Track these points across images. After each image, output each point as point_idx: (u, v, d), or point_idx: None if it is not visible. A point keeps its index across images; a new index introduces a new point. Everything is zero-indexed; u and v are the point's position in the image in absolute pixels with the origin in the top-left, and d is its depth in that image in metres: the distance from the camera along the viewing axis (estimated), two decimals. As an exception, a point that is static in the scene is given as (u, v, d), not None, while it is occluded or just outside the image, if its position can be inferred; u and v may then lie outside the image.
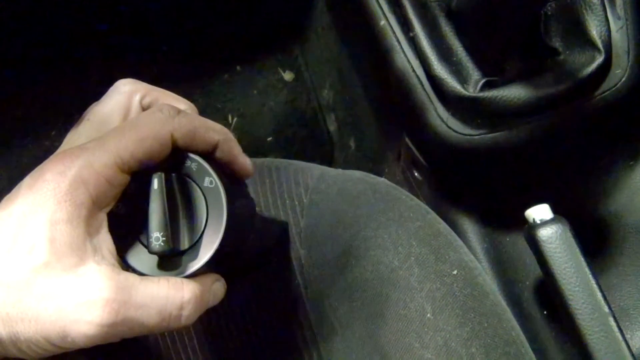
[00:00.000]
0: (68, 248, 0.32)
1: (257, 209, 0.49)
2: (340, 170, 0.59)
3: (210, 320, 0.55)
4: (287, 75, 1.24)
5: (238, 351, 0.55)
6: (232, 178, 0.41)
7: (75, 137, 0.42)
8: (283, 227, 0.56)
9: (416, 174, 0.75)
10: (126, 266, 0.37)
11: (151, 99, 0.41)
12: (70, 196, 0.32)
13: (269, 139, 1.22)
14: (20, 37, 1.16)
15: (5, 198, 0.34)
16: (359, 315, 0.51)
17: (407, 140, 0.72)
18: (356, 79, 0.96)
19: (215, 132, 0.38)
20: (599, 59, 0.58)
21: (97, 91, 1.18)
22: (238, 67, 1.24)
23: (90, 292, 0.32)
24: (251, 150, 1.20)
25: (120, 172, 0.34)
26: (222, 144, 0.38)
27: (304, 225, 0.56)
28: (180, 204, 0.36)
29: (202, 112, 1.26)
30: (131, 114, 0.38)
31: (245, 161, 0.41)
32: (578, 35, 0.60)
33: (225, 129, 0.41)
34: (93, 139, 0.36)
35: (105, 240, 0.35)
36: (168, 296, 0.34)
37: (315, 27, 1.14)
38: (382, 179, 0.56)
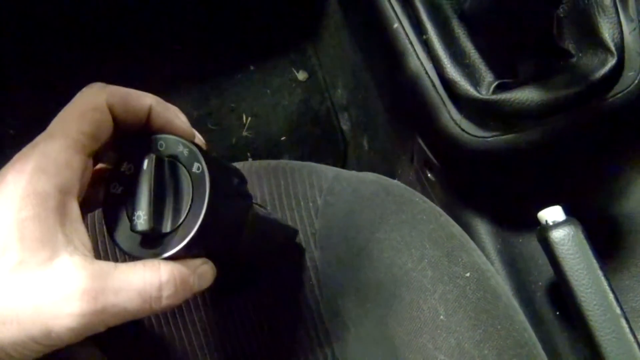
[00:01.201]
0: (39, 243, 0.32)
1: (264, 210, 0.49)
2: (354, 172, 0.60)
3: (224, 319, 0.56)
4: (301, 75, 1.24)
5: (252, 350, 0.56)
6: (227, 173, 0.42)
7: None
8: (290, 234, 0.56)
9: (429, 175, 0.75)
10: (113, 244, 0.38)
11: (117, 98, 0.38)
12: (33, 189, 0.32)
13: (283, 138, 1.22)
14: (40, 38, 1.17)
15: None
16: (373, 315, 0.51)
17: (419, 141, 0.73)
18: (369, 79, 0.97)
19: (147, 96, 0.38)
20: (612, 62, 0.58)
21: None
22: (252, 67, 1.24)
23: (66, 285, 0.31)
24: (264, 149, 1.21)
25: (76, 153, 0.34)
26: (154, 107, 0.38)
27: (319, 226, 0.57)
28: (169, 187, 0.37)
29: (216, 112, 1.26)
30: (96, 114, 0.37)
31: (183, 125, 0.40)
32: (591, 37, 0.60)
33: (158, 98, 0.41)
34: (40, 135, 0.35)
35: (77, 229, 0.34)
36: (145, 278, 0.34)
37: (329, 26, 1.14)
38: (396, 181, 0.57)
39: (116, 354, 0.53)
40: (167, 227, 0.37)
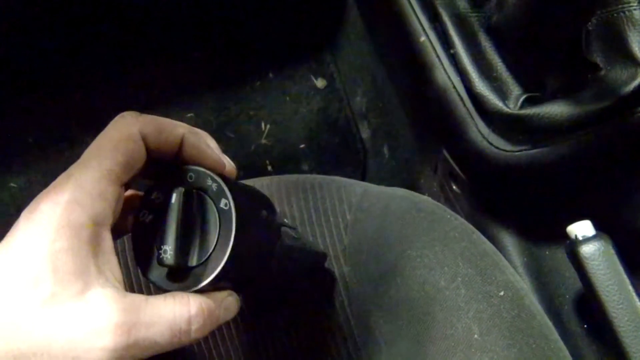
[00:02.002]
0: (72, 275, 0.32)
1: (293, 234, 0.49)
2: (382, 188, 0.60)
3: (255, 337, 0.56)
4: (320, 83, 1.24)
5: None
6: (256, 206, 0.42)
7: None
8: (319, 259, 0.56)
9: (454, 187, 0.75)
10: (143, 276, 0.38)
11: (150, 128, 0.38)
12: (68, 221, 0.32)
13: (302, 146, 1.22)
14: (59, 45, 1.18)
15: (6, 237, 0.34)
16: (405, 334, 0.51)
17: (445, 153, 0.72)
18: (390, 88, 0.97)
19: (180, 126, 0.39)
20: (642, 76, 0.58)
21: (132, 98, 1.20)
22: (270, 74, 1.25)
23: (99, 318, 0.32)
24: (283, 157, 1.21)
25: (110, 184, 0.34)
26: (187, 136, 0.38)
27: (348, 242, 0.57)
28: (196, 221, 0.37)
29: (235, 119, 1.27)
30: (130, 144, 0.37)
31: (214, 155, 0.40)
32: (620, 51, 0.60)
33: (198, 130, 0.42)
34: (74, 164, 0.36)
35: (109, 260, 0.35)
36: (175, 312, 0.35)
37: (348, 34, 1.14)
38: (426, 197, 0.57)
39: None
40: (193, 260, 0.37)
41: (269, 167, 1.20)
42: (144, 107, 1.16)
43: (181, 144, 0.38)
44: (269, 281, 0.48)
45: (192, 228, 0.37)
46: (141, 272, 0.38)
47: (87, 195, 0.33)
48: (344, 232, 0.57)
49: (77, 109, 1.20)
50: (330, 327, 0.56)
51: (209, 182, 0.38)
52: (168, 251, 0.36)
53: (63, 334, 0.31)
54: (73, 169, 0.35)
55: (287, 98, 1.24)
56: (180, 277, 0.37)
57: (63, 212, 0.32)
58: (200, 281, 0.37)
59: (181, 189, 0.37)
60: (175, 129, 0.38)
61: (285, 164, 1.21)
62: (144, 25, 1.20)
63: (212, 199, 0.38)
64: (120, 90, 1.21)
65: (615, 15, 0.60)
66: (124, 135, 0.36)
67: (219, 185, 0.37)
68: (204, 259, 0.37)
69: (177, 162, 0.39)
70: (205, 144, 0.40)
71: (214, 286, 0.38)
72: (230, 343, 0.56)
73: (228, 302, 0.39)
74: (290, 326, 0.56)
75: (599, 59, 0.62)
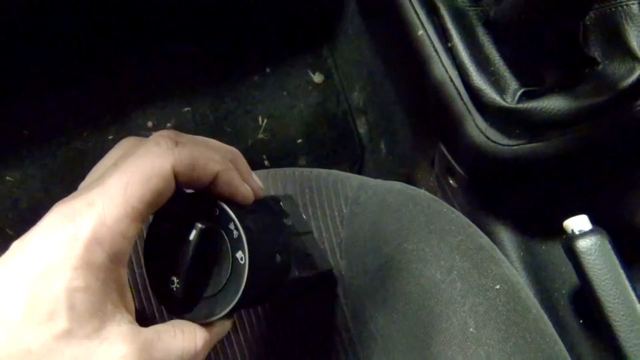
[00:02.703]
0: (88, 314, 0.32)
1: (303, 257, 0.50)
2: (379, 181, 0.59)
3: (251, 328, 0.56)
4: (317, 77, 1.24)
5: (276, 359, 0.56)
6: (271, 254, 0.42)
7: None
8: (325, 277, 0.56)
9: (451, 181, 0.75)
10: (156, 301, 0.39)
11: (184, 165, 0.36)
12: (86, 260, 0.32)
13: (299, 140, 1.22)
14: (55, 39, 1.18)
15: (17, 249, 0.33)
16: (401, 327, 0.51)
17: (442, 148, 0.72)
18: (388, 83, 0.97)
19: (215, 162, 0.38)
20: (639, 70, 0.58)
21: (130, 92, 1.20)
22: (268, 69, 1.24)
23: (115, 358, 0.32)
24: (280, 151, 1.21)
25: (133, 222, 0.34)
26: (221, 174, 0.38)
27: (344, 235, 0.57)
28: (211, 257, 0.38)
29: (232, 114, 1.27)
30: (160, 182, 0.35)
31: (245, 192, 0.40)
32: (618, 45, 0.60)
33: (232, 150, 0.42)
34: (92, 184, 0.35)
35: (124, 296, 0.35)
36: (184, 347, 0.36)
37: (345, 29, 1.14)
38: (423, 190, 0.57)
39: None
40: (203, 292, 0.39)
41: (266, 162, 1.20)
42: (142, 102, 1.17)
43: (215, 178, 0.38)
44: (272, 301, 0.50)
45: (205, 263, 0.38)
46: (156, 297, 0.40)
47: (109, 234, 0.33)
48: (340, 225, 0.57)
49: (74, 103, 1.19)
50: (325, 320, 0.56)
51: (232, 226, 0.38)
52: (179, 284, 0.38)
53: None
54: (96, 196, 0.33)
55: (285, 93, 1.24)
56: (189, 307, 0.39)
57: (83, 251, 0.32)
58: (209, 316, 0.39)
59: (202, 227, 0.37)
60: (209, 167, 0.37)
61: (282, 158, 1.21)
62: (141, 19, 1.20)
63: (230, 243, 0.38)
64: (117, 85, 1.21)
65: (613, 9, 0.60)
66: (155, 171, 0.34)
67: (240, 236, 0.38)
68: (215, 292, 0.38)
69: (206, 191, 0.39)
70: (239, 181, 0.40)
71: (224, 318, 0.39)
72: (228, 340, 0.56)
73: (225, 327, 0.41)
74: (284, 319, 0.56)
75: (596, 53, 0.62)
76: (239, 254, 0.38)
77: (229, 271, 0.38)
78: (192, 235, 0.37)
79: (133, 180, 0.34)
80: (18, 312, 0.31)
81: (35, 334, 0.31)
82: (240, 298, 0.37)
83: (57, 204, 0.34)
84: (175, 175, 0.35)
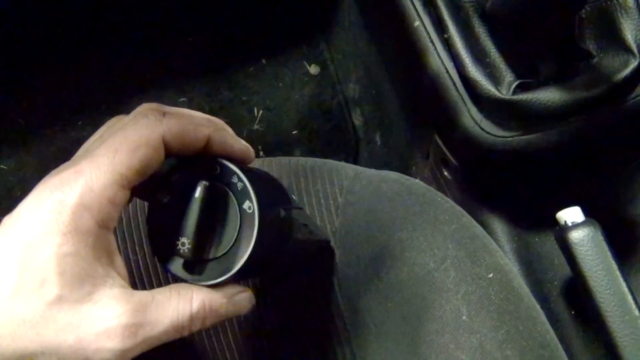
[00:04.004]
0: (79, 279, 0.32)
1: (304, 225, 0.50)
2: (374, 171, 0.60)
3: (246, 318, 0.56)
4: (313, 69, 1.24)
5: (272, 348, 0.56)
6: (276, 206, 0.42)
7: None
8: (322, 245, 0.57)
9: (445, 173, 0.76)
10: (160, 265, 0.39)
11: (173, 133, 0.37)
12: (75, 226, 0.32)
13: (294, 132, 1.22)
14: (51, 27, 1.17)
15: (7, 222, 0.34)
16: (394, 315, 0.52)
17: (437, 139, 0.73)
18: (383, 75, 0.97)
19: (204, 126, 0.38)
20: (634, 63, 0.58)
21: (125, 82, 1.20)
22: (264, 60, 1.24)
23: (108, 320, 0.32)
24: (276, 142, 1.21)
25: (121, 189, 0.34)
26: (213, 136, 0.38)
27: (339, 224, 0.57)
28: (217, 215, 0.38)
29: (228, 105, 1.26)
30: (149, 151, 0.35)
31: (241, 147, 0.40)
32: (613, 39, 0.60)
33: (216, 120, 0.42)
34: (81, 155, 0.35)
35: (114, 261, 0.35)
36: (178, 309, 0.35)
37: (342, 21, 1.14)
38: (417, 180, 0.57)
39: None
40: (209, 254, 0.38)
41: (261, 153, 1.20)
42: (137, 91, 1.16)
43: (207, 141, 0.38)
44: (275, 269, 0.49)
45: (212, 222, 0.38)
46: (159, 262, 0.38)
47: (97, 200, 0.33)
48: (335, 214, 0.57)
49: (70, 92, 1.19)
50: (319, 309, 0.56)
51: (235, 179, 0.38)
52: (186, 244, 0.37)
53: (72, 334, 0.32)
54: (84, 165, 0.34)
55: (280, 84, 1.24)
56: (197, 269, 0.38)
57: (71, 217, 0.32)
58: (213, 278, 0.38)
59: (206, 183, 0.37)
60: (199, 131, 0.38)
61: (278, 149, 1.21)
62: (138, 9, 1.20)
63: (235, 196, 0.38)
64: (114, 74, 1.20)
65: (608, 3, 0.61)
66: (143, 140, 0.35)
67: (245, 186, 0.37)
68: (221, 254, 0.38)
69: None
70: (232, 138, 0.40)
71: (227, 283, 0.38)
72: (223, 327, 0.56)
73: (239, 298, 0.39)
74: (279, 307, 0.56)
75: (591, 47, 0.62)
76: (247, 204, 0.37)
77: (238, 226, 0.37)
78: (197, 192, 0.36)
79: (121, 149, 0.34)
80: (10, 282, 0.32)
81: (28, 302, 0.31)
82: (252, 250, 0.37)
83: (45, 177, 0.34)
84: (166, 145, 0.36)
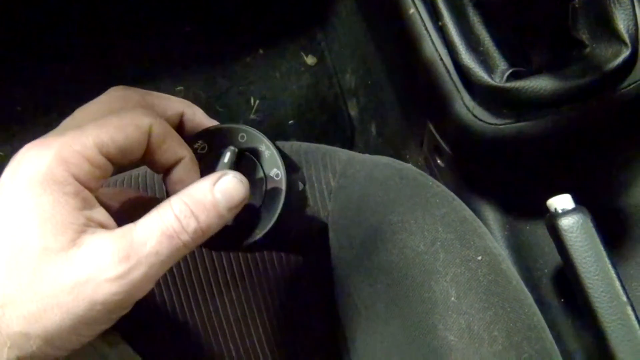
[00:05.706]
0: (61, 226, 0.32)
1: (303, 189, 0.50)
2: (367, 156, 0.60)
3: (239, 300, 0.57)
4: (310, 59, 1.24)
5: (263, 330, 0.57)
6: (296, 175, 0.43)
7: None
8: (321, 225, 0.58)
9: (439, 161, 0.76)
10: None
11: (159, 131, 0.37)
12: (51, 175, 0.32)
13: (290, 122, 1.23)
14: (49, 15, 1.17)
15: None
16: (384, 297, 0.52)
17: (431, 127, 0.73)
18: (379, 65, 0.97)
19: (178, 102, 0.39)
20: (626, 53, 0.58)
21: (122, 70, 1.20)
22: (260, 50, 1.25)
23: (97, 255, 0.32)
24: (272, 132, 1.21)
25: (99, 155, 0.34)
26: (186, 111, 0.40)
27: (332, 208, 0.58)
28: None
29: (225, 94, 1.27)
30: (135, 133, 0.36)
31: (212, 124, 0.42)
32: (605, 28, 0.61)
33: (185, 100, 0.42)
34: (68, 124, 0.36)
35: (96, 210, 0.34)
36: (161, 216, 0.34)
37: (339, 11, 1.14)
38: (409, 165, 0.57)
39: (148, 350, 0.53)
40: (241, 216, 0.37)
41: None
42: (134, 80, 1.17)
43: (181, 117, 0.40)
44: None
45: None
46: None
47: (74, 154, 0.33)
48: (328, 198, 0.58)
49: (67, 80, 1.19)
50: (310, 291, 0.57)
51: (263, 147, 0.38)
52: None
53: (66, 281, 0.31)
54: (68, 126, 0.34)
55: (277, 74, 1.24)
56: (228, 234, 0.38)
57: (48, 167, 0.32)
58: (248, 239, 0.38)
59: (235, 149, 0.37)
60: (174, 108, 0.39)
61: (274, 139, 1.21)
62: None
63: (261, 164, 0.38)
64: (110, 63, 1.21)
65: (602, -8, 0.61)
66: (132, 122, 0.35)
67: (272, 154, 0.38)
68: (251, 215, 0.38)
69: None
70: (203, 115, 0.42)
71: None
72: (215, 309, 0.57)
73: (225, 181, 0.36)
74: (269, 289, 0.57)
75: (584, 36, 0.62)
76: (274, 171, 0.38)
77: (264, 190, 0.38)
78: (226, 157, 0.37)
79: (108, 123, 0.34)
80: None
81: (17, 264, 0.31)
82: (276, 220, 0.37)
83: None
84: (149, 136, 0.36)
